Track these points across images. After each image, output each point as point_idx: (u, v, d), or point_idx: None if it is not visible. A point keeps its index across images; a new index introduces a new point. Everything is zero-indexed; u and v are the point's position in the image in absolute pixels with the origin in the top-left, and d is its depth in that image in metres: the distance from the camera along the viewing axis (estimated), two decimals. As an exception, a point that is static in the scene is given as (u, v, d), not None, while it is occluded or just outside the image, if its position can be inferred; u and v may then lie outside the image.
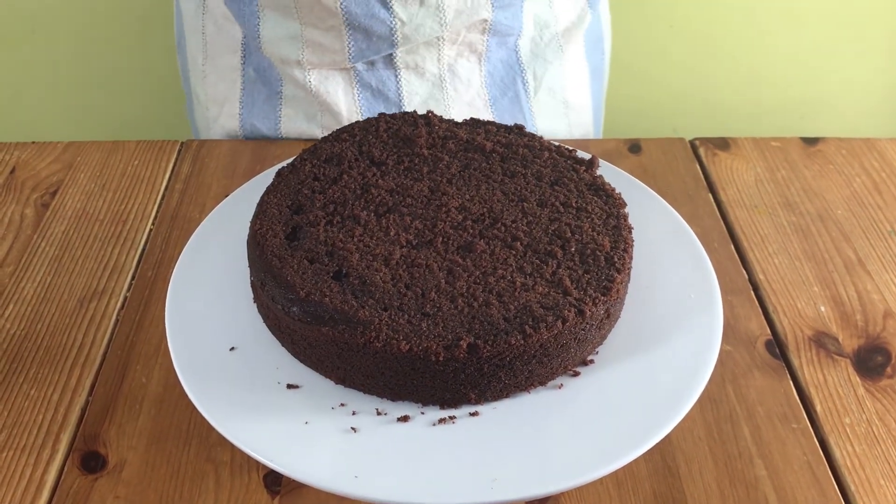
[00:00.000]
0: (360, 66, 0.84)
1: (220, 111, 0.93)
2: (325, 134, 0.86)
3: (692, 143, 0.88)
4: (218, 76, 0.92)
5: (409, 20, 0.80)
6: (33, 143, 0.87)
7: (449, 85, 0.87)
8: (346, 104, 0.86)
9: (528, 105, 0.91)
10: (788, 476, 0.56)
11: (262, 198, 0.63)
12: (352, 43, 0.82)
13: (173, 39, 1.02)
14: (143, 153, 0.86)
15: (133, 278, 0.71)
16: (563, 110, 0.94)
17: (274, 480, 0.56)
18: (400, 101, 0.87)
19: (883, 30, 1.42)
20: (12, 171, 0.84)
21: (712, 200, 0.80)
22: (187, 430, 0.59)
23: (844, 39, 1.43)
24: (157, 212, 0.79)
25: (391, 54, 0.84)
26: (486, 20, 0.84)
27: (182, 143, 0.87)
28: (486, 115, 0.90)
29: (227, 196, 0.71)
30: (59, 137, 0.89)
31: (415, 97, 0.87)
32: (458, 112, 0.89)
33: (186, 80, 1.00)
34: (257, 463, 0.56)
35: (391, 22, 0.80)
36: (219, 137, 0.93)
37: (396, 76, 0.86)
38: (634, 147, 0.87)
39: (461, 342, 0.51)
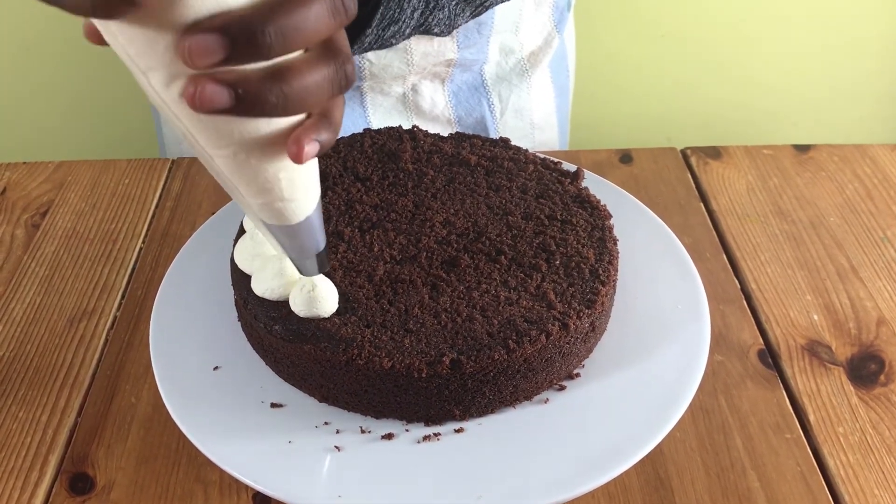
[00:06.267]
0: None
1: None
2: None
3: (683, 152, 0.88)
4: None
5: (377, 61, 0.82)
6: (24, 163, 0.88)
7: (412, 103, 0.88)
8: None
9: (495, 126, 0.92)
10: (782, 487, 0.56)
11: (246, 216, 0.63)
12: None
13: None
14: (134, 171, 0.86)
15: (123, 297, 0.71)
16: (529, 131, 0.94)
17: (263, 500, 0.56)
18: (364, 112, 0.88)
19: (874, 36, 1.42)
20: (3, 192, 0.84)
21: (704, 210, 0.80)
22: (176, 449, 0.59)
23: (835, 46, 1.43)
24: (148, 230, 0.79)
25: (358, 84, 0.85)
26: (451, 59, 0.85)
27: (173, 160, 0.88)
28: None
29: (213, 214, 0.71)
30: (50, 157, 0.90)
31: (379, 108, 0.88)
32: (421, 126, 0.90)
33: None
34: (245, 482, 0.56)
35: (359, 62, 0.81)
36: (190, 153, 0.93)
37: (362, 94, 0.87)
38: (625, 157, 0.87)
39: (444, 358, 0.51)
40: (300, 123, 0.39)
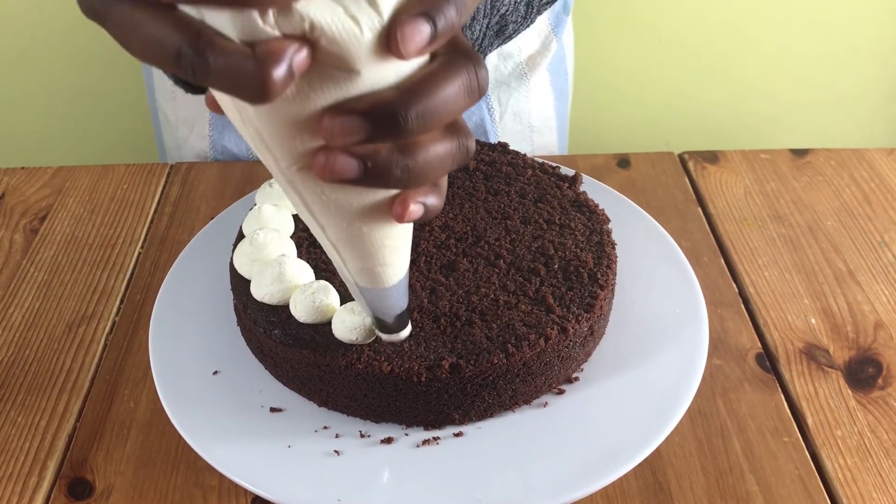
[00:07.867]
0: None
1: (191, 132, 0.94)
2: None
3: (681, 156, 0.88)
4: (188, 97, 0.93)
5: None
6: (23, 168, 0.88)
7: None
8: None
9: (494, 129, 0.92)
10: (780, 490, 0.56)
11: (245, 221, 0.63)
12: None
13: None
14: (133, 176, 0.86)
15: (122, 302, 0.71)
16: (528, 134, 0.94)
17: (262, 504, 0.56)
18: None
19: (871, 41, 1.42)
20: (1, 197, 0.84)
21: (702, 214, 0.80)
22: (175, 454, 0.58)
23: (832, 51, 1.43)
24: (146, 235, 0.79)
25: None
26: None
27: (171, 165, 0.88)
28: None
29: (212, 219, 0.71)
30: (49, 162, 0.90)
31: None
32: None
33: (153, 99, 1.00)
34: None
35: None
36: (190, 159, 0.94)
37: None
38: (623, 162, 0.87)
39: (443, 362, 0.51)
40: None
